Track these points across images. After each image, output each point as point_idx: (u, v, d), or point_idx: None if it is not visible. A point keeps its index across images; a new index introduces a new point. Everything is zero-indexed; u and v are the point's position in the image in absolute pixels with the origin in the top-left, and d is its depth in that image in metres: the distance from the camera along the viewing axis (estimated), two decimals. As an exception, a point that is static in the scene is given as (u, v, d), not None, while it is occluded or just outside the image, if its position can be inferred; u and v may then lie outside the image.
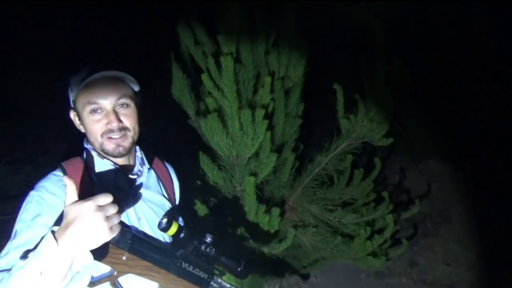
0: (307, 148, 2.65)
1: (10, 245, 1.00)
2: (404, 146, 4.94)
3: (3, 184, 4.65)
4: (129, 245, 0.96)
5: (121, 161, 1.19)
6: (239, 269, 1.06)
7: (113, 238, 0.94)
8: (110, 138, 1.13)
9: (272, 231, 2.06)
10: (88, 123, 1.13)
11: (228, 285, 1.05)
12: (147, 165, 1.26)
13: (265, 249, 2.08)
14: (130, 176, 1.20)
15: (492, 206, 4.18)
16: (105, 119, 1.12)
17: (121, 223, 1.03)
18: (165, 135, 2.60)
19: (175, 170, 1.41)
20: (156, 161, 1.34)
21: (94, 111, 1.12)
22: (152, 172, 1.30)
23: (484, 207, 4.17)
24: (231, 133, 1.97)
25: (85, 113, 1.13)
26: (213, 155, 2.10)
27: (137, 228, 1.14)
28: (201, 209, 1.99)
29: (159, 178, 1.31)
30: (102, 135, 1.13)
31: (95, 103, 1.11)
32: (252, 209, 2.02)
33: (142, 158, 1.26)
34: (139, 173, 1.22)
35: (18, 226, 1.04)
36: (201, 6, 2.30)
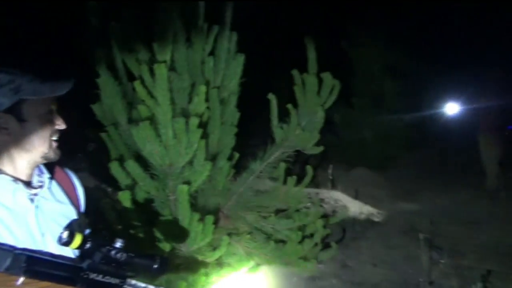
0: (244, 157, 2.69)
1: None
2: (336, 154, 5.22)
3: None
4: (24, 268, 0.90)
5: (18, 174, 1.10)
6: (154, 266, 1.04)
7: (3, 265, 0.88)
8: None
9: (205, 239, 2.06)
10: None
11: (143, 285, 1.03)
12: (47, 174, 1.20)
13: (199, 258, 2.08)
14: (31, 190, 1.13)
15: (415, 210, 4.56)
16: None
17: (11, 247, 0.97)
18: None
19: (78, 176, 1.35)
20: (57, 169, 1.27)
21: None
22: (54, 182, 1.23)
23: (408, 210, 4.54)
24: (164, 141, 1.95)
25: None
26: (145, 164, 2.07)
27: (38, 246, 1.07)
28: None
29: (61, 187, 1.25)
30: None
31: None
32: (186, 218, 2.01)
33: (39, 168, 1.19)
34: (40, 184, 1.16)
35: None
36: (138, 13, 2.27)
